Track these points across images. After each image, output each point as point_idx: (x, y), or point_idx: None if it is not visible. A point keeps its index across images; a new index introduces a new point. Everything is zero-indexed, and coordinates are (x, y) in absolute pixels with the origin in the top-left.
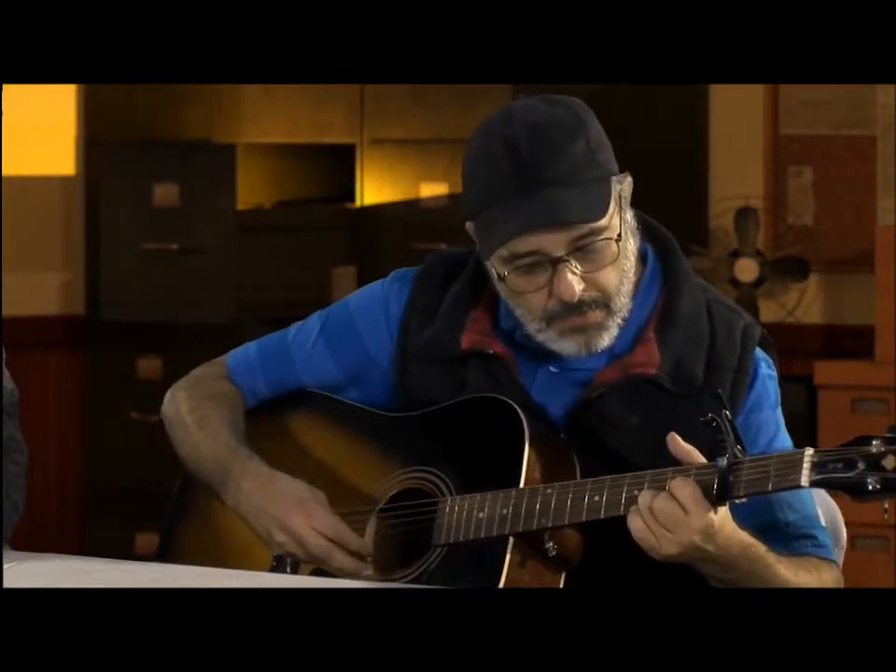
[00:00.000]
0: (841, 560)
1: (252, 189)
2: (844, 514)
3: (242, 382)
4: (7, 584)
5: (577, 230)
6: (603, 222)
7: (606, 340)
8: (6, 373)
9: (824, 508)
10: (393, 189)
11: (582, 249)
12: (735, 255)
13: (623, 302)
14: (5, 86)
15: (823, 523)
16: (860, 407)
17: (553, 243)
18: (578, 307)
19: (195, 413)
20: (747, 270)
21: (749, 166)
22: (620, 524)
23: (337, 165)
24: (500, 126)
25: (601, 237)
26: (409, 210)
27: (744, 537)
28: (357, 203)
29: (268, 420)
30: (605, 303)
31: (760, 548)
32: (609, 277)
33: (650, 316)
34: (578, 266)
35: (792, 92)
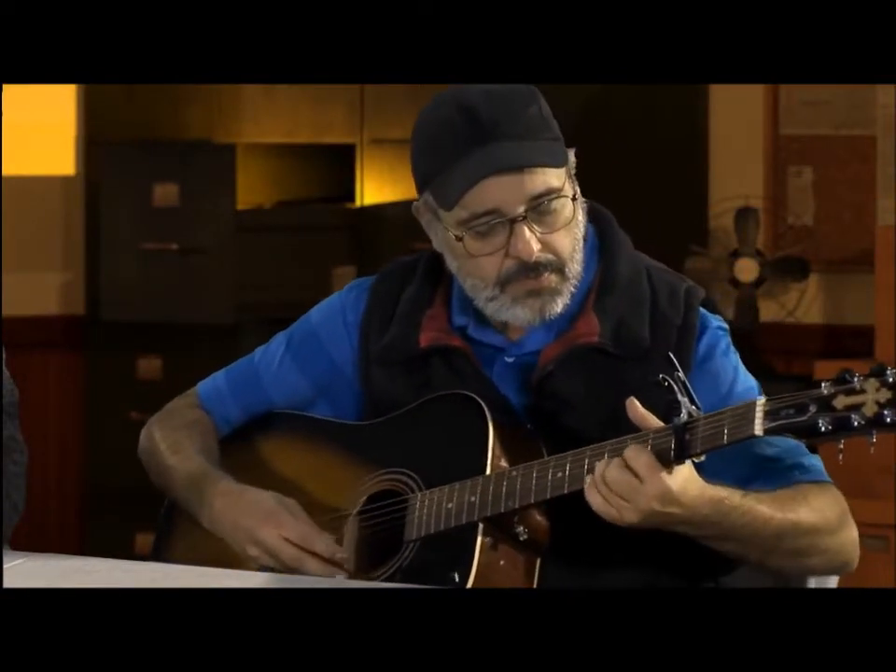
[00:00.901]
0: None
1: (252, 189)
2: None
3: (214, 410)
4: (7, 584)
5: (534, 185)
6: (558, 182)
7: (559, 305)
8: (6, 373)
9: None
10: (393, 189)
11: (539, 209)
12: (735, 255)
13: (575, 269)
14: (5, 86)
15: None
16: None
17: (512, 199)
18: (534, 268)
19: (167, 441)
20: (747, 270)
21: (749, 166)
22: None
23: (337, 165)
24: (452, 97)
25: (558, 195)
26: (409, 210)
27: (714, 492)
28: (357, 203)
29: (240, 447)
30: (559, 268)
31: (734, 498)
32: (563, 241)
33: (590, 288)
34: (535, 226)
35: (792, 92)
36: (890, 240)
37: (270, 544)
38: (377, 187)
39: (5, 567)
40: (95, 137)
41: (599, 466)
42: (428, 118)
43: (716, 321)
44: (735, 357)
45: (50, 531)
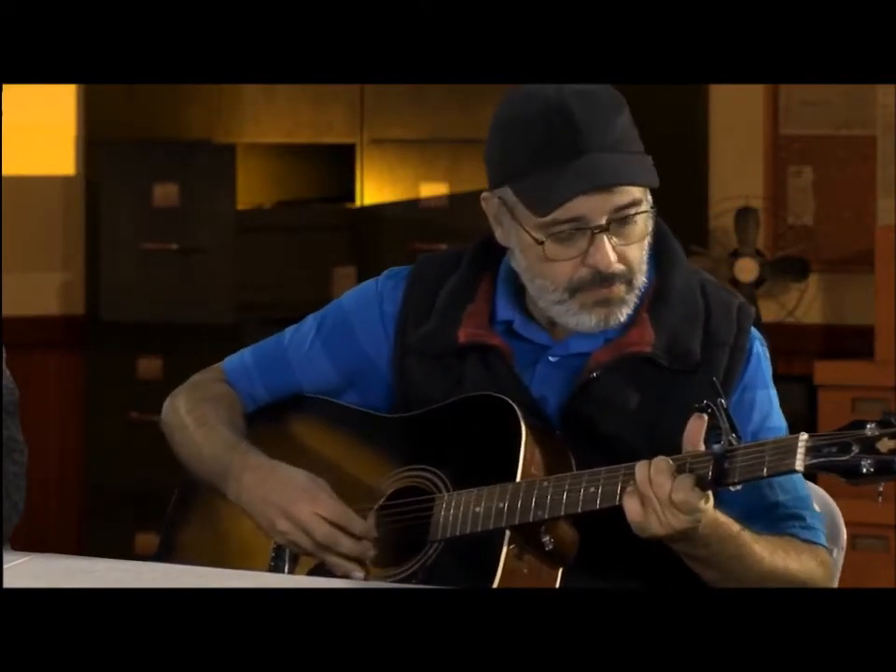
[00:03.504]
0: (840, 560)
1: (252, 189)
2: (844, 515)
3: (240, 386)
4: (7, 584)
5: (620, 198)
6: (640, 195)
7: (624, 315)
8: (6, 373)
9: (823, 508)
10: (393, 188)
11: (621, 220)
12: (735, 255)
13: (641, 280)
14: (5, 86)
15: (816, 507)
16: (860, 407)
17: (597, 210)
18: (608, 279)
19: (193, 414)
20: (747, 270)
21: (749, 166)
22: (618, 519)
23: (337, 165)
24: (544, 94)
25: (640, 209)
26: (409, 210)
27: (717, 515)
28: (357, 203)
29: (266, 425)
30: (629, 279)
31: (733, 527)
32: (636, 253)
33: (644, 297)
34: (613, 238)
35: (792, 92)
36: (890, 240)
37: (304, 519)
38: (377, 187)
39: (5, 567)
40: (95, 137)
41: (644, 470)
42: (517, 111)
43: (762, 346)
44: (772, 393)
45: (50, 531)
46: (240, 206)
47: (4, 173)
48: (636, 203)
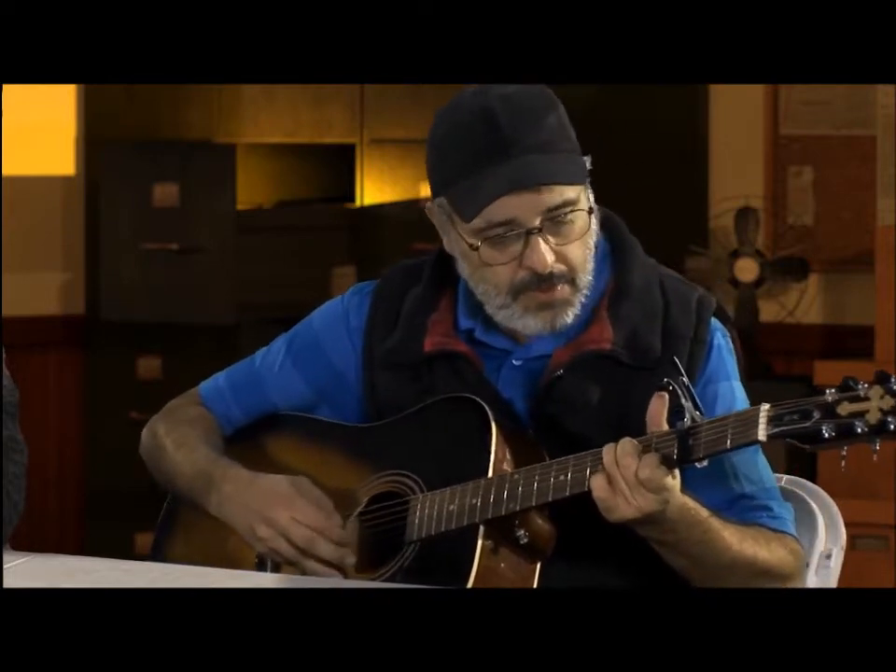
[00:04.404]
0: (840, 560)
1: (252, 188)
2: (844, 515)
3: (216, 409)
4: (7, 584)
5: (552, 198)
6: (574, 195)
7: (570, 316)
8: (6, 373)
9: (823, 508)
10: (393, 188)
11: (556, 220)
12: (735, 255)
13: (586, 280)
14: (5, 86)
15: (783, 497)
16: None
17: (529, 211)
18: (547, 279)
19: (171, 436)
20: (747, 270)
21: (749, 166)
22: (595, 512)
23: (337, 165)
24: (473, 99)
25: (574, 208)
26: (409, 210)
27: (685, 500)
28: (357, 203)
29: (243, 445)
30: (571, 279)
31: (701, 512)
32: (577, 252)
33: (602, 295)
34: (550, 238)
35: (792, 92)
36: (890, 240)
37: (282, 524)
38: (377, 187)
39: (5, 567)
40: (95, 137)
41: (610, 452)
42: (447, 121)
43: (724, 338)
44: (736, 384)
45: (50, 531)
46: (240, 206)
47: (4, 173)
48: (569, 202)
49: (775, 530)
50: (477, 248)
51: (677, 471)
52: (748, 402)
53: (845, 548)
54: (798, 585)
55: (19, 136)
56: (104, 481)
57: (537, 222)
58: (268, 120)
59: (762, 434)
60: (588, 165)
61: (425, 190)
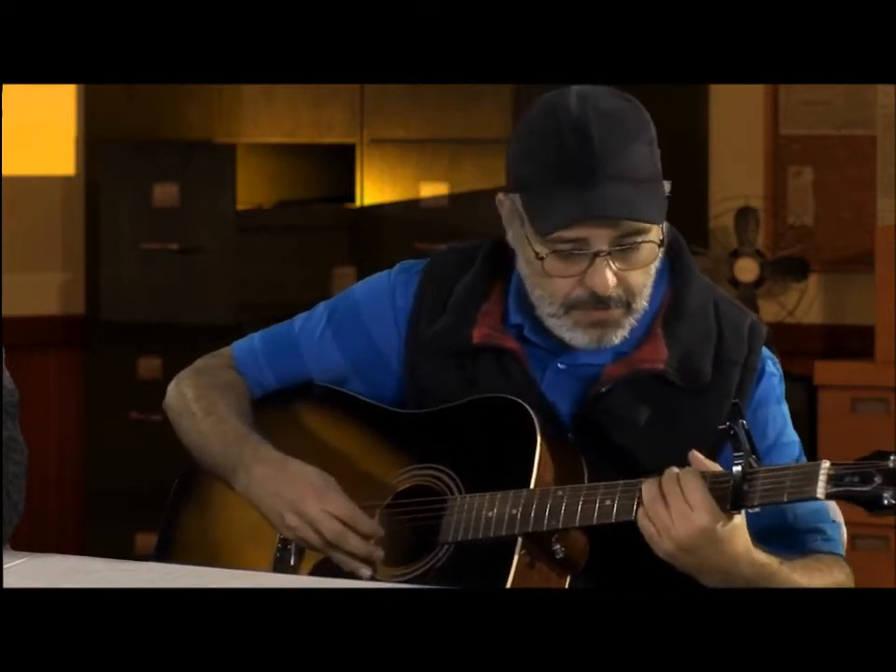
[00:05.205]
0: None
1: (252, 188)
2: (844, 515)
3: (248, 372)
4: (7, 584)
5: (626, 227)
6: (649, 225)
7: (619, 337)
8: (6, 373)
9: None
10: (393, 188)
11: (624, 247)
12: (735, 255)
13: (642, 305)
14: (5, 86)
15: (832, 516)
16: (860, 407)
17: (601, 236)
18: (604, 301)
19: (201, 401)
20: (747, 270)
21: (749, 166)
22: (629, 529)
23: (337, 165)
24: (569, 108)
25: (645, 239)
26: (409, 210)
27: (758, 556)
28: (357, 203)
29: (275, 412)
30: (628, 302)
31: (773, 564)
32: (638, 279)
33: (657, 313)
34: (614, 262)
35: (792, 92)
36: (890, 240)
37: (313, 516)
38: (377, 187)
39: (5, 567)
40: (95, 137)
41: (652, 484)
42: (538, 121)
43: (774, 366)
44: (785, 408)
45: (50, 531)
46: (240, 206)
47: (4, 173)
48: (641, 231)
49: (829, 553)
50: (542, 258)
51: (738, 519)
52: (793, 429)
53: (844, 547)
54: None
55: (19, 136)
56: (104, 481)
57: (605, 246)
58: (268, 120)
59: (820, 492)
60: (667, 188)
61: (425, 190)
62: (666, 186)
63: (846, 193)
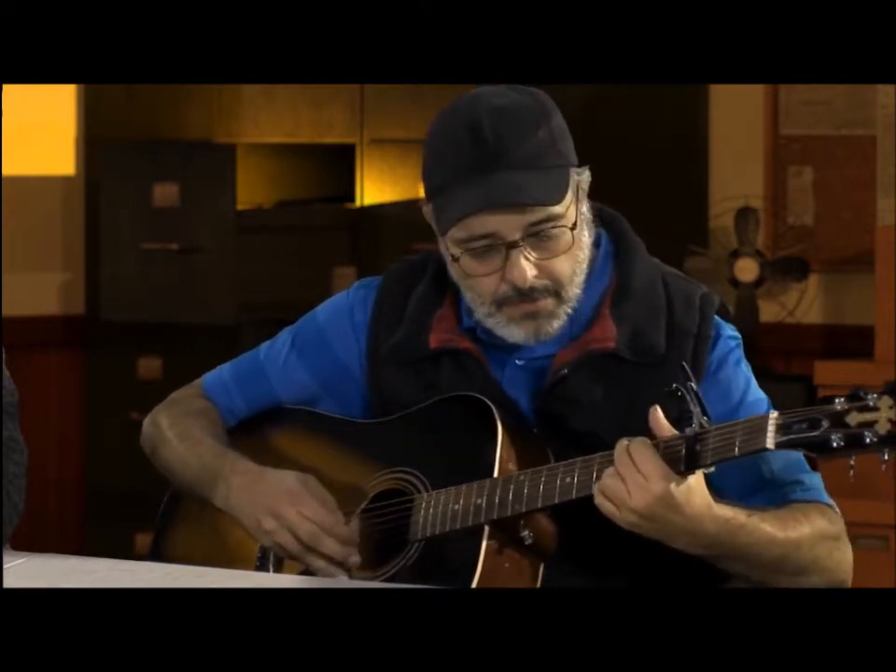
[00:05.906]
0: None
1: (252, 188)
2: (844, 515)
3: (219, 401)
4: (6, 584)
5: (533, 214)
6: (559, 209)
7: (554, 328)
8: (6, 373)
9: None
10: (393, 188)
11: (537, 235)
12: (735, 255)
13: (574, 293)
14: (5, 86)
15: (810, 466)
16: None
17: (509, 226)
18: (529, 293)
19: (176, 428)
20: (747, 270)
21: (749, 166)
22: (598, 511)
23: (337, 165)
24: (465, 109)
25: (557, 224)
26: (409, 210)
27: (721, 511)
28: (357, 203)
29: (248, 438)
30: (556, 291)
31: (740, 517)
32: (562, 266)
33: (604, 294)
34: (532, 252)
35: (792, 92)
36: (890, 240)
37: (289, 519)
38: (377, 187)
39: (5, 567)
40: (95, 137)
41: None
42: (440, 127)
43: (730, 331)
44: (746, 369)
45: (50, 531)
46: (240, 206)
47: (4, 173)
48: (552, 217)
49: (808, 501)
50: (457, 259)
51: (693, 479)
52: (758, 388)
53: None
54: (845, 545)
55: (19, 136)
56: (104, 481)
57: (517, 236)
58: (268, 120)
59: (770, 442)
60: (587, 177)
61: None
62: (580, 171)
63: (846, 193)
